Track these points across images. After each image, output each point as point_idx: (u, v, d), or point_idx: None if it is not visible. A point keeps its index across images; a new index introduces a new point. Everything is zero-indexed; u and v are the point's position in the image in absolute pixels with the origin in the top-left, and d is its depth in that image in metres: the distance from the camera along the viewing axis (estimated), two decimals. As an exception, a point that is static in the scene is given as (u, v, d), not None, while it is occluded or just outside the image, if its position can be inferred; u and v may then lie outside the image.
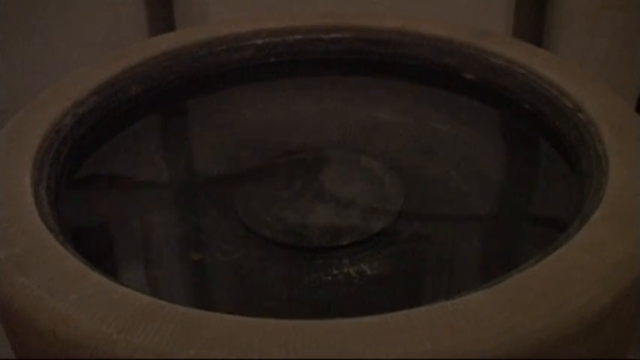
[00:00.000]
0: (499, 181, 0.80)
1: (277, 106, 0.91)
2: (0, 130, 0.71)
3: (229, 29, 0.90)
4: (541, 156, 0.81)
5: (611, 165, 0.62)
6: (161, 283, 0.68)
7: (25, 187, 0.62)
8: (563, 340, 0.48)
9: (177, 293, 0.67)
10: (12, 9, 1.28)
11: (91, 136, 0.77)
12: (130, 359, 0.46)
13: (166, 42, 0.88)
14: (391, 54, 0.90)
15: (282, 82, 0.93)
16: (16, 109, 0.73)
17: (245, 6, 1.30)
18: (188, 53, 0.88)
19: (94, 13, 1.35)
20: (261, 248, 0.69)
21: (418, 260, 0.69)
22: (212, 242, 0.71)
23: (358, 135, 0.86)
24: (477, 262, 0.69)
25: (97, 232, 0.72)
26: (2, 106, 0.98)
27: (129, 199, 0.77)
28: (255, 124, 0.88)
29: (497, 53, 0.83)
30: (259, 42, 0.91)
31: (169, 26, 1.39)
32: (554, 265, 0.52)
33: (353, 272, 0.65)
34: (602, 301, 0.49)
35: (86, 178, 0.76)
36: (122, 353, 0.46)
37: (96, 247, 0.69)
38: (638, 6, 1.19)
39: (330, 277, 0.64)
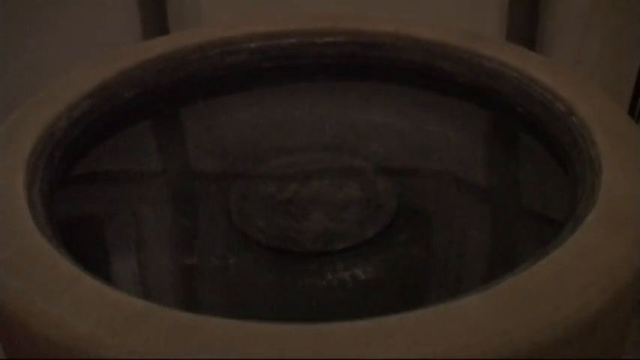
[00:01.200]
0: (493, 185, 0.80)
1: (271, 110, 0.91)
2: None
3: (223, 33, 0.90)
4: (534, 159, 0.81)
5: (604, 168, 0.62)
6: (155, 287, 0.68)
7: (19, 191, 0.62)
8: (558, 342, 0.48)
9: (171, 297, 0.67)
10: (5, 11, 1.27)
11: (84, 140, 0.77)
12: (124, 363, 0.46)
13: (160, 45, 0.88)
14: (385, 58, 0.90)
15: (276, 85, 0.93)
16: (9, 111, 0.73)
17: (238, 8, 1.30)
18: (182, 57, 0.87)
19: (87, 15, 1.35)
20: (255, 253, 0.69)
21: (412, 265, 0.69)
22: (206, 246, 0.71)
23: (352, 138, 0.86)
24: (471, 266, 0.69)
25: (90, 235, 0.72)
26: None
27: (122, 202, 0.77)
28: (248, 127, 0.88)
29: (490, 57, 0.83)
30: (253, 46, 0.90)
31: (163, 28, 1.39)
32: (549, 268, 0.52)
33: (347, 277, 0.64)
34: (596, 303, 0.49)
35: (79, 182, 0.76)
36: (116, 357, 0.46)
37: (89, 251, 0.69)
38: (630, 7, 1.20)
39: (324, 282, 0.64)
